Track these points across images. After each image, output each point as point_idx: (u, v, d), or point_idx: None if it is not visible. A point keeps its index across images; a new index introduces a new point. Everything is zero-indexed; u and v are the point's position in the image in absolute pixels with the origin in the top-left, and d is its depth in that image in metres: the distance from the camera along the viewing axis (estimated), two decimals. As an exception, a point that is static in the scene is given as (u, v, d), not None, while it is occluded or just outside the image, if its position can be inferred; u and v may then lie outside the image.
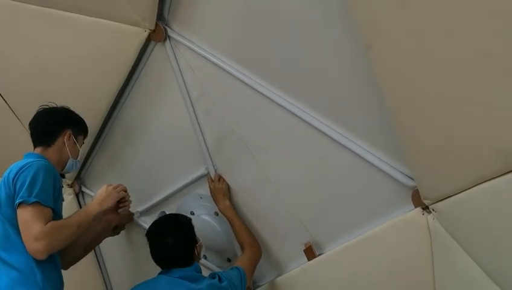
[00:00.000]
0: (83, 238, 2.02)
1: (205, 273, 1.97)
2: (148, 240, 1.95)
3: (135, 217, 2.56)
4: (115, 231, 2.33)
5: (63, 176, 2.64)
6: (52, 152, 1.94)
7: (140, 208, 2.58)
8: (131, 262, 2.71)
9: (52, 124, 1.98)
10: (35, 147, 1.96)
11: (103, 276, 2.99)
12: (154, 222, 2.01)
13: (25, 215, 1.68)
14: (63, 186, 2.24)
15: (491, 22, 1.16)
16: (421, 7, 1.25)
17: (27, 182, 1.69)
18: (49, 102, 2.03)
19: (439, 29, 1.24)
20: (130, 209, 2.24)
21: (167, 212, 2.16)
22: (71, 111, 2.06)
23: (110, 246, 2.40)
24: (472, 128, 1.30)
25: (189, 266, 1.86)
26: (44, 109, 2.02)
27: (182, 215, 2.01)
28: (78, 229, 1.80)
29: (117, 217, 2.18)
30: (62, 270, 1.95)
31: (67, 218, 1.83)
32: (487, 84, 1.23)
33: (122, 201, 2.09)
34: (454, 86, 1.28)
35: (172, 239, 1.89)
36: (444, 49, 1.25)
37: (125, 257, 2.75)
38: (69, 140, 1.99)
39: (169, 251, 1.88)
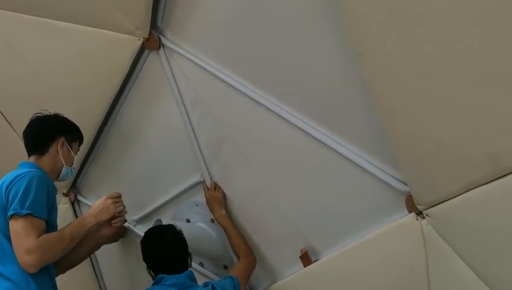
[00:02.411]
0: (77, 251, 2.00)
1: (202, 280, 1.97)
2: (143, 245, 1.94)
3: (131, 225, 2.56)
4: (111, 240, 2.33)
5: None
6: (46, 160, 1.94)
7: (136, 216, 2.57)
8: (127, 270, 2.70)
9: (44, 132, 1.97)
10: (29, 155, 1.95)
11: (99, 284, 2.98)
12: (150, 229, 2.01)
13: (17, 227, 1.67)
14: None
15: (481, 30, 1.17)
16: (411, 15, 1.26)
17: (19, 194, 1.68)
18: (42, 110, 2.03)
19: (429, 36, 1.25)
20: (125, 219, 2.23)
21: (163, 220, 2.16)
22: (64, 118, 2.05)
23: (106, 254, 2.40)
24: (464, 133, 1.31)
25: (182, 272, 1.85)
26: (37, 117, 2.01)
27: (174, 225, 2.01)
28: (71, 242, 1.80)
29: (112, 231, 2.16)
30: (58, 277, 1.94)
31: (60, 230, 1.82)
32: (478, 91, 1.24)
33: (117, 214, 2.07)
34: (445, 92, 1.29)
35: (168, 242, 1.89)
36: (434, 56, 1.26)
37: (121, 265, 2.73)
38: (62, 147, 1.97)
39: (165, 254, 1.87)
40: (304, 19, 1.62)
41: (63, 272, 2.15)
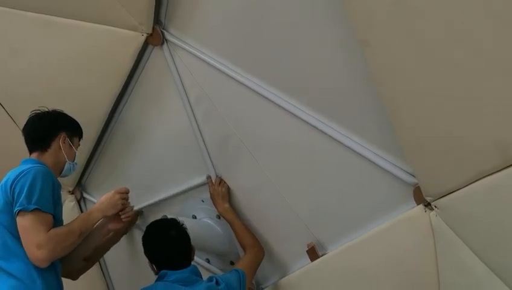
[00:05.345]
0: (84, 247, 2.00)
1: (207, 276, 1.96)
2: (145, 240, 1.93)
3: (138, 221, 2.56)
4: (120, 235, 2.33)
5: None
6: (48, 157, 1.93)
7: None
8: (133, 265, 2.71)
9: (46, 129, 1.96)
10: (30, 152, 1.95)
11: (105, 280, 2.99)
12: (151, 224, 2.00)
13: (25, 223, 1.66)
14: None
15: (488, 18, 1.16)
16: (416, 4, 1.24)
17: (25, 189, 1.68)
18: (41, 106, 2.02)
19: (435, 25, 1.24)
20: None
21: (169, 217, 2.16)
22: (64, 114, 2.04)
23: (112, 250, 2.40)
24: (471, 123, 1.30)
25: (186, 267, 1.84)
26: (37, 113, 2.00)
27: (176, 219, 2.00)
28: (80, 236, 1.80)
29: (120, 225, 2.15)
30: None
31: (68, 224, 1.81)
32: (485, 80, 1.23)
33: (123, 209, 2.05)
34: (452, 82, 1.28)
35: (171, 237, 1.88)
36: (441, 45, 1.25)
37: (127, 260, 2.74)
38: (64, 143, 1.97)
39: (168, 249, 1.86)
40: (309, 12, 1.61)
41: (77, 275, 2.16)
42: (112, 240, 2.31)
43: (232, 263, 2.31)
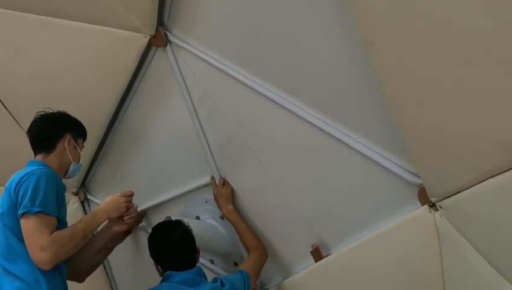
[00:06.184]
0: (88, 249, 2.01)
1: (212, 277, 1.95)
2: (150, 242, 1.93)
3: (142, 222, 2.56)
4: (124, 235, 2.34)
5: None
6: (53, 158, 1.93)
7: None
8: (137, 267, 2.71)
9: (51, 130, 1.96)
10: (35, 154, 1.95)
11: (110, 281, 2.99)
12: (157, 225, 2.00)
13: (29, 225, 1.67)
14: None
15: (490, 17, 1.15)
16: (418, 3, 1.24)
17: (29, 192, 1.68)
18: (45, 108, 2.02)
19: (438, 25, 1.23)
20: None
21: (173, 218, 2.16)
22: (68, 115, 2.04)
23: (116, 251, 2.40)
24: (476, 123, 1.29)
25: (190, 268, 1.85)
26: (41, 115, 2.00)
27: (182, 221, 2.00)
28: (83, 238, 1.80)
29: (124, 227, 2.15)
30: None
31: (72, 226, 1.82)
32: (489, 79, 1.21)
33: (127, 211, 2.06)
34: (456, 82, 1.27)
35: (176, 239, 1.88)
36: (443, 45, 1.24)
37: (131, 261, 2.74)
38: (69, 144, 1.97)
39: (173, 251, 1.86)
40: (311, 13, 1.60)
41: (82, 277, 2.16)
42: (116, 241, 2.31)
43: (235, 264, 2.31)
